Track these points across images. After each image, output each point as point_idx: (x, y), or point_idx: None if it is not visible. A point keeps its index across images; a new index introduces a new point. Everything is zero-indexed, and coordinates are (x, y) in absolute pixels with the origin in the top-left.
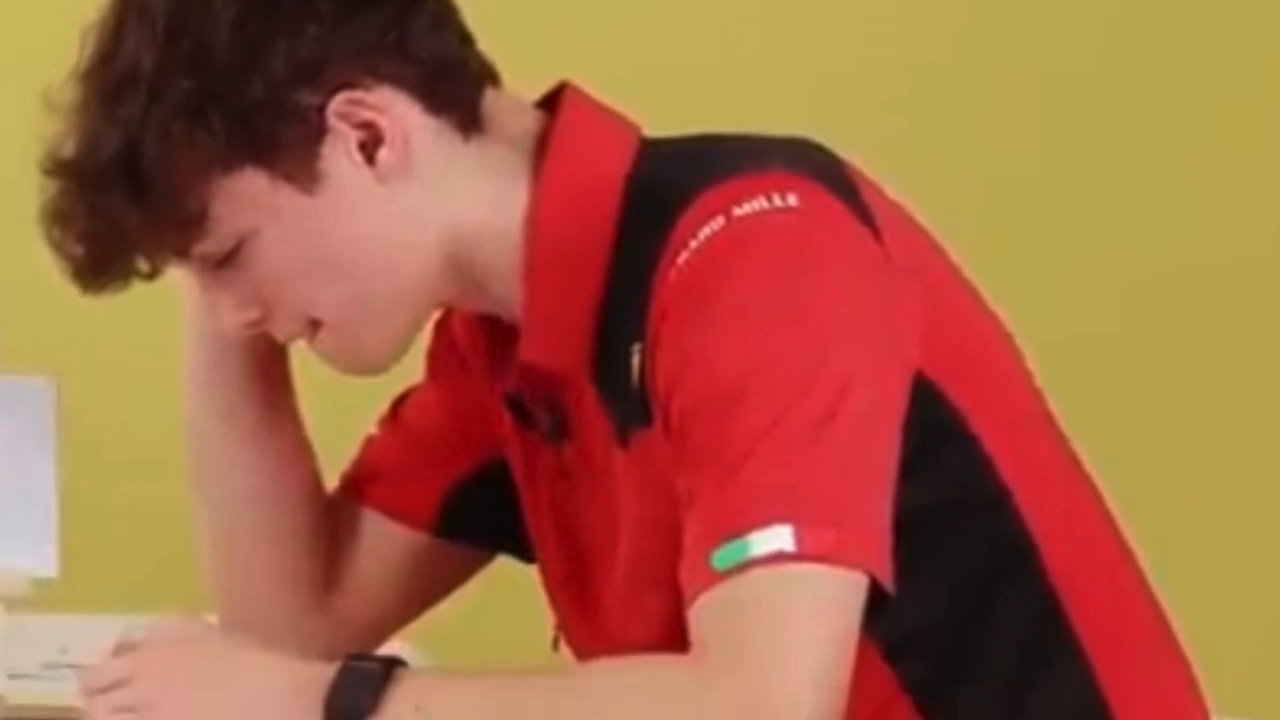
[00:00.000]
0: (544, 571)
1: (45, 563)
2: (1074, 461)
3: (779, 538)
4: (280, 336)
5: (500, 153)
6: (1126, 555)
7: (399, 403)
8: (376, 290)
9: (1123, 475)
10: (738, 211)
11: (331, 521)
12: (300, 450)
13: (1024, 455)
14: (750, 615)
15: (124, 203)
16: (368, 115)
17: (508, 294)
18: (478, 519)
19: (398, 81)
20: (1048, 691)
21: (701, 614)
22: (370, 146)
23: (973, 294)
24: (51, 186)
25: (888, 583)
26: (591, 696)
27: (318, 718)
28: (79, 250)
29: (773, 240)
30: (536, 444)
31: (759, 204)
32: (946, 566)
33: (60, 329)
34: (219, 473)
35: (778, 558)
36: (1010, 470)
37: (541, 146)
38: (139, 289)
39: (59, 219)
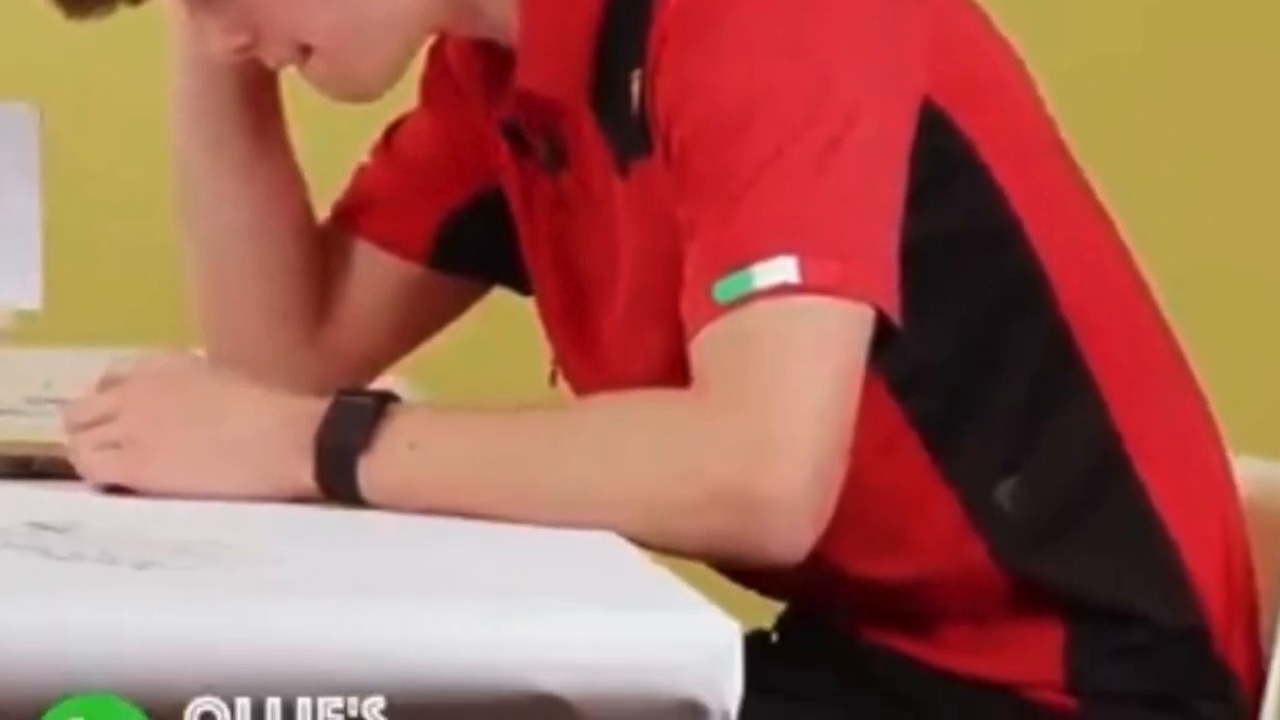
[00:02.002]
0: (541, 305)
1: (29, 294)
2: (1087, 191)
3: (783, 269)
4: (270, 62)
5: None
6: (1140, 289)
7: (392, 131)
8: (370, 14)
9: (1138, 205)
10: None
11: (323, 253)
12: (291, 181)
13: (1034, 184)
14: (753, 349)
15: None
16: None
17: (504, 19)
18: (473, 249)
19: None
20: (1058, 426)
21: (703, 347)
22: None
23: (982, 19)
24: None
25: (895, 316)
26: (590, 432)
27: (309, 454)
28: None
29: None
30: (534, 173)
31: None
32: (955, 299)
33: (43, 56)
34: (207, 205)
35: (781, 289)
36: (1020, 200)
37: None
38: (125, 15)
39: None
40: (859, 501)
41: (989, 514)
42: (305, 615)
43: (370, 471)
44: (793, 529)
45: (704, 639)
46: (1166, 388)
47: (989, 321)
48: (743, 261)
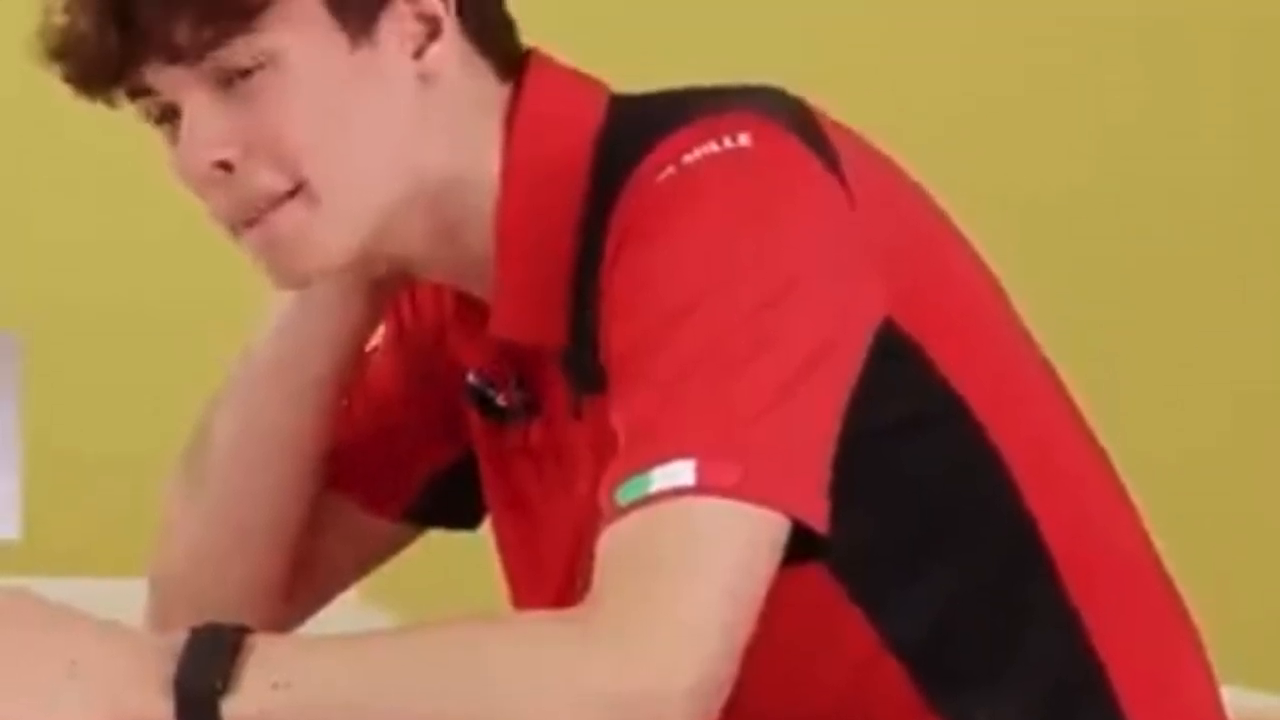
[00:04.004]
0: (500, 547)
1: (8, 524)
2: (1069, 409)
3: (681, 472)
4: (243, 191)
5: (468, 105)
6: (1131, 519)
7: (367, 371)
8: (377, 158)
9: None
10: (687, 159)
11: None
12: (324, 458)
13: (1007, 406)
14: (643, 554)
15: None
16: (431, 9)
17: (479, 248)
18: (452, 505)
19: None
20: (1035, 653)
21: (602, 550)
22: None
23: (965, 246)
24: None
25: (815, 521)
26: (467, 653)
27: (170, 696)
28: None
29: (722, 184)
30: (500, 430)
31: (709, 148)
32: (954, 551)
33: (26, 282)
34: (246, 468)
35: (678, 492)
36: (997, 428)
37: (511, 113)
38: (110, 245)
39: None
40: None
41: None
42: None
43: (234, 714)
44: None
45: None
46: (1154, 618)
47: (962, 544)
48: (646, 464)
